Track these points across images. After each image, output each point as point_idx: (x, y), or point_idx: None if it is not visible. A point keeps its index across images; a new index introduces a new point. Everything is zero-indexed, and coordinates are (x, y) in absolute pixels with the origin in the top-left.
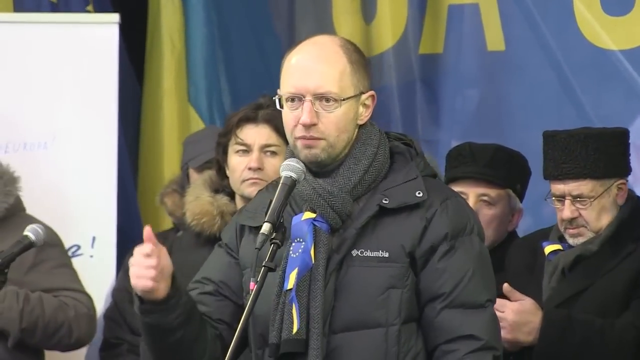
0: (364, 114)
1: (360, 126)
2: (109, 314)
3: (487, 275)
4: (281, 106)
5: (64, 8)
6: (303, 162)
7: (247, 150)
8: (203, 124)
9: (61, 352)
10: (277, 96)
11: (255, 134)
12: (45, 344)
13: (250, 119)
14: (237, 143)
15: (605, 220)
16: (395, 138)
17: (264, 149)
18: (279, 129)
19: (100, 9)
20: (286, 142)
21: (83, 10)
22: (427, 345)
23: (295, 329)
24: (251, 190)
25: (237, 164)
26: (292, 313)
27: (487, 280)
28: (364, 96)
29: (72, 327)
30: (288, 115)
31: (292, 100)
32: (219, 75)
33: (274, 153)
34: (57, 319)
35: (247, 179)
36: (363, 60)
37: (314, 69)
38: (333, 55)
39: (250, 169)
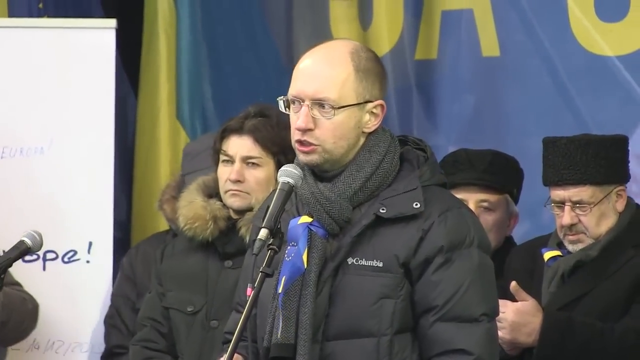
0: (372, 123)
1: (370, 133)
2: (110, 321)
3: (485, 289)
4: (287, 108)
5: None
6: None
7: (230, 160)
8: (186, 135)
9: (7, 346)
10: (284, 98)
11: (238, 146)
12: (9, 338)
13: (235, 129)
14: (222, 153)
15: (604, 226)
16: (413, 143)
17: (245, 160)
18: (261, 141)
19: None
20: (269, 153)
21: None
22: (421, 356)
23: (281, 335)
24: (231, 202)
25: (222, 174)
26: (281, 318)
27: (485, 294)
28: (370, 105)
29: (30, 321)
30: (292, 118)
31: (294, 103)
32: (203, 87)
33: (255, 164)
34: (22, 313)
35: (228, 191)
36: (376, 69)
37: (316, 73)
38: (338, 61)
39: (230, 180)
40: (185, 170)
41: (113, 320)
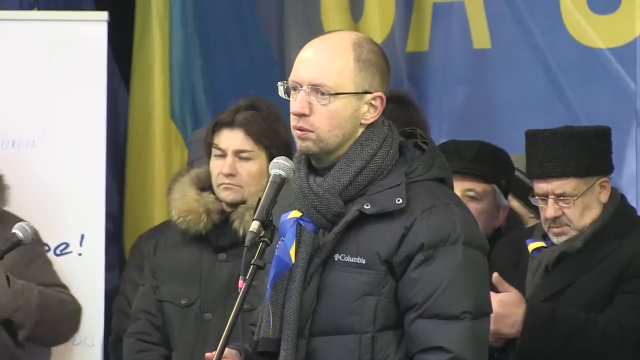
0: (370, 115)
1: (368, 126)
2: (118, 306)
3: (469, 287)
4: (288, 95)
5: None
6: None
7: (223, 154)
8: (176, 127)
9: (48, 347)
10: (284, 84)
11: (229, 139)
12: (45, 338)
13: (226, 123)
14: (214, 147)
15: (588, 218)
16: (420, 137)
17: (237, 154)
18: (253, 134)
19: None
20: (261, 146)
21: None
22: (408, 353)
23: (271, 330)
24: (225, 195)
25: (214, 168)
26: (269, 312)
27: (469, 292)
28: (368, 96)
29: (69, 323)
30: (291, 104)
31: (294, 89)
32: (194, 80)
33: (247, 158)
34: (59, 314)
35: (221, 184)
36: (378, 61)
37: (314, 60)
38: (339, 50)
39: (223, 174)
40: (193, 155)
41: (121, 305)
